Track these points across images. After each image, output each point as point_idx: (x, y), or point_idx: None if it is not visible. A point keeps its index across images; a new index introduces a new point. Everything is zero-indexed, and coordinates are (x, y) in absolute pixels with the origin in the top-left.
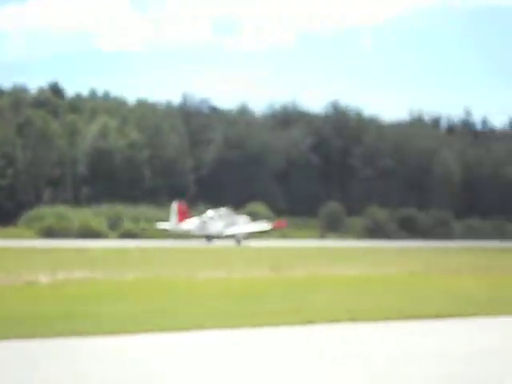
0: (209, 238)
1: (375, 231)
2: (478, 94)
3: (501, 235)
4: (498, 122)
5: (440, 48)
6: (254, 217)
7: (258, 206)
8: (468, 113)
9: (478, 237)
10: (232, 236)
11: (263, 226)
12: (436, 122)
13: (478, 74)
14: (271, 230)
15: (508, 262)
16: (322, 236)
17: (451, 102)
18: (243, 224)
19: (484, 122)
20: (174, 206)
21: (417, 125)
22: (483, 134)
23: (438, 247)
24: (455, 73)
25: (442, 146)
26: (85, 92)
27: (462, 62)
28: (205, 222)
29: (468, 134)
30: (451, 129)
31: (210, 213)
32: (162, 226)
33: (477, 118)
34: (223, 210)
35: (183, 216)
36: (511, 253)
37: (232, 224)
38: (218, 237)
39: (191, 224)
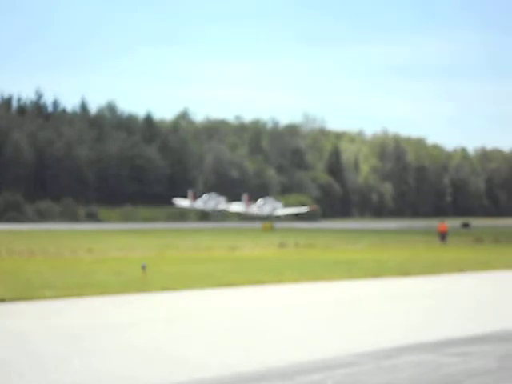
0: (263, 217)
1: None
2: (49, 75)
3: (71, 218)
4: (70, 103)
5: None
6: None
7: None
8: (39, 94)
9: (49, 219)
10: (278, 216)
11: (301, 209)
12: (7, 102)
13: (52, 57)
14: (307, 212)
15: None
16: None
17: (23, 82)
18: (284, 208)
19: (55, 104)
20: (244, 196)
21: None
22: (54, 115)
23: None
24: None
25: (13, 126)
26: None
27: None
28: (261, 206)
29: (39, 115)
30: (22, 110)
31: (261, 201)
32: (235, 209)
33: (48, 100)
34: (269, 199)
35: (249, 203)
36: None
37: (276, 208)
38: (269, 217)
39: (253, 208)
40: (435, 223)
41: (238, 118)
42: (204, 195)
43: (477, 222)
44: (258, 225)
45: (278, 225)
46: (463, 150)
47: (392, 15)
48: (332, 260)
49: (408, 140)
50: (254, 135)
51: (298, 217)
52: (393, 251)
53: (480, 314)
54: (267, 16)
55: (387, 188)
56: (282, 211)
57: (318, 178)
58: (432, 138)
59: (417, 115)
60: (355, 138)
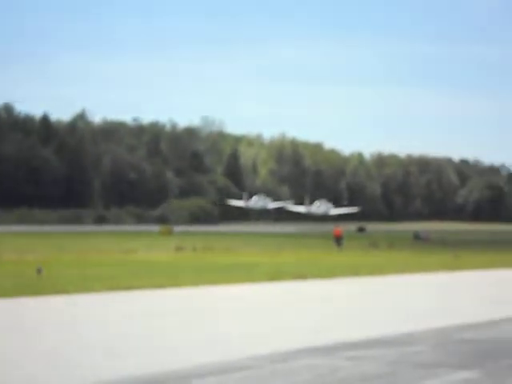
0: (318, 216)
1: None
2: None
3: None
4: None
5: None
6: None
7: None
8: None
9: None
10: (333, 215)
11: (352, 209)
12: None
13: None
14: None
15: None
16: None
17: None
18: (335, 208)
19: None
20: (306, 198)
21: None
22: None
23: None
24: None
25: None
26: None
27: None
28: (318, 207)
29: None
30: None
31: (317, 202)
32: (297, 209)
33: None
34: (323, 201)
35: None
36: None
37: (329, 208)
38: (325, 215)
39: (313, 208)
40: (332, 227)
41: (136, 119)
42: (254, 197)
43: (372, 227)
44: (155, 228)
45: (177, 228)
46: (359, 154)
47: (293, 19)
48: (230, 263)
49: (306, 144)
50: (152, 137)
51: (196, 220)
52: (291, 255)
53: (371, 317)
54: (165, 17)
55: (285, 191)
56: (335, 211)
57: (217, 181)
58: (329, 143)
59: (314, 120)
60: (254, 142)
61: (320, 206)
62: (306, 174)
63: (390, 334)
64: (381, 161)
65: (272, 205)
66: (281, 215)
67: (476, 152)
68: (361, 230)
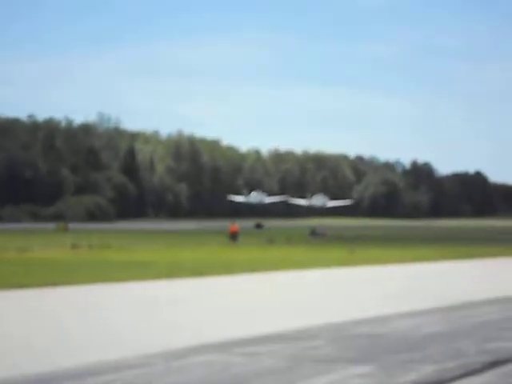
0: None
1: None
2: None
3: None
4: None
5: None
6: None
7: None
8: None
9: None
10: (331, 207)
11: (345, 202)
12: None
13: None
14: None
15: None
16: None
17: None
18: (330, 201)
19: None
20: (309, 193)
21: None
22: None
23: None
24: None
25: None
26: None
27: None
28: (318, 200)
29: None
30: None
31: (318, 196)
32: (299, 202)
33: None
34: (320, 195)
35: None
36: None
37: (326, 201)
38: (322, 207)
39: (312, 201)
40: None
41: (30, 116)
42: (252, 192)
43: (270, 223)
44: (51, 226)
45: (73, 226)
46: (257, 151)
47: (181, 17)
48: (127, 261)
49: (203, 141)
50: (47, 134)
51: (92, 218)
52: (189, 252)
53: (270, 313)
54: (58, 16)
55: (182, 188)
56: (331, 203)
57: (113, 178)
58: (227, 140)
59: (212, 116)
60: (150, 139)
61: (318, 200)
62: (204, 170)
63: (288, 330)
64: (278, 157)
65: (268, 199)
66: (279, 209)
67: (371, 149)
68: (258, 226)
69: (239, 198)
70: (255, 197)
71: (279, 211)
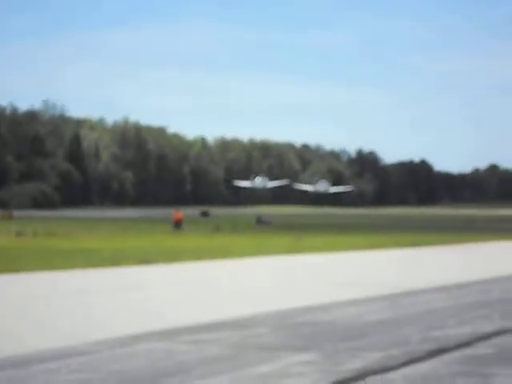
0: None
1: None
2: None
3: None
4: None
5: None
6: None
7: None
8: None
9: None
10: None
11: (347, 187)
12: None
13: None
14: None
15: None
16: None
17: None
18: (332, 187)
19: None
20: (314, 178)
21: None
22: None
23: None
24: None
25: None
26: None
27: None
28: (322, 185)
29: None
30: None
31: (322, 182)
32: (305, 188)
33: None
34: (324, 181)
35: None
36: None
37: (328, 187)
38: (325, 192)
39: (316, 187)
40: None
41: None
42: (256, 177)
43: (216, 211)
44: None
45: (17, 213)
46: (203, 139)
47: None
48: (72, 249)
49: (149, 128)
50: None
51: (37, 205)
52: (132, 240)
53: (215, 301)
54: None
55: (128, 176)
56: (333, 189)
57: (58, 166)
58: (173, 127)
59: (158, 103)
60: (96, 126)
61: (322, 185)
62: (150, 158)
63: (234, 318)
64: (224, 145)
65: (271, 184)
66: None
67: (317, 137)
68: (204, 214)
69: (245, 184)
70: (260, 182)
71: (226, 199)
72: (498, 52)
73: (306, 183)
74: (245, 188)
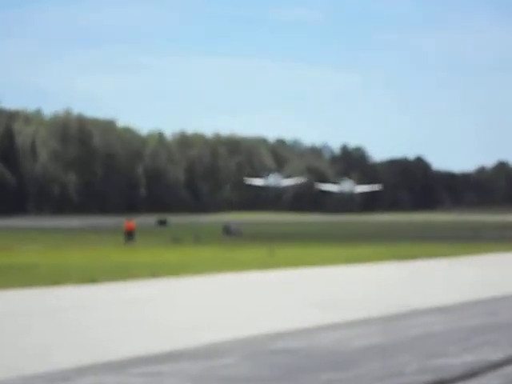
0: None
1: None
2: None
3: None
4: None
5: None
6: None
7: None
8: None
9: None
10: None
11: (374, 187)
12: None
13: None
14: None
15: None
16: None
17: None
18: (358, 186)
19: None
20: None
21: None
22: None
23: None
24: None
25: None
26: None
27: None
28: (347, 185)
29: None
30: None
31: (346, 181)
32: (326, 188)
33: None
34: (349, 180)
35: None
36: None
37: (353, 186)
38: (351, 191)
39: (343, 187)
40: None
41: None
42: (270, 175)
43: (175, 219)
44: None
45: None
46: (160, 134)
47: None
48: (4, 264)
49: (95, 121)
50: None
51: None
52: (76, 254)
53: (173, 326)
54: None
55: (70, 178)
56: (360, 188)
57: None
58: (123, 120)
59: (105, 93)
60: (32, 119)
61: (347, 185)
62: (96, 156)
63: (195, 346)
64: (184, 141)
65: (286, 182)
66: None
67: (294, 131)
68: (161, 222)
69: (258, 182)
70: (274, 180)
71: (188, 204)
72: (490, 27)
73: (328, 183)
74: (268, 186)
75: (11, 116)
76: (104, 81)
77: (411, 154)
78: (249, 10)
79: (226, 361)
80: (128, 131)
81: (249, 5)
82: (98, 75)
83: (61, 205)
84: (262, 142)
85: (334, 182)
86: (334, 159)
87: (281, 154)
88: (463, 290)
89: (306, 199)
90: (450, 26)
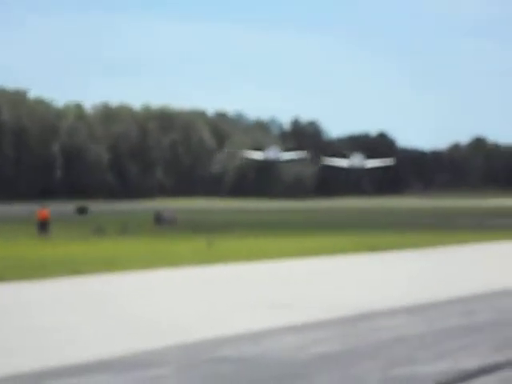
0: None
1: None
2: None
3: None
4: None
5: None
6: None
7: None
8: None
9: None
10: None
11: (386, 161)
12: None
13: None
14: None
15: None
16: None
17: None
18: (367, 161)
19: None
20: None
21: None
22: None
23: None
24: None
25: None
26: None
27: None
28: (357, 159)
29: None
30: None
31: (355, 156)
32: (335, 163)
33: None
34: (358, 154)
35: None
36: None
37: (363, 161)
38: (360, 166)
39: (353, 161)
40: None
41: None
42: (271, 148)
43: (98, 206)
44: None
45: None
46: (78, 106)
47: None
48: None
49: (3, 92)
50: None
51: None
52: None
53: (95, 332)
54: None
55: None
56: (370, 163)
57: None
58: (36, 91)
59: (14, 58)
60: None
61: (356, 159)
62: (4, 133)
63: (124, 354)
64: (108, 115)
65: (286, 156)
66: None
67: (237, 103)
68: (82, 210)
69: (257, 155)
70: (274, 153)
71: (112, 189)
72: None
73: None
74: (268, 160)
75: None
76: (11, 46)
77: (373, 130)
78: None
79: (156, 372)
80: (41, 103)
81: None
82: (4, 38)
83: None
84: (200, 115)
85: (343, 156)
86: (284, 135)
87: (222, 130)
88: (434, 285)
89: (250, 182)
90: None
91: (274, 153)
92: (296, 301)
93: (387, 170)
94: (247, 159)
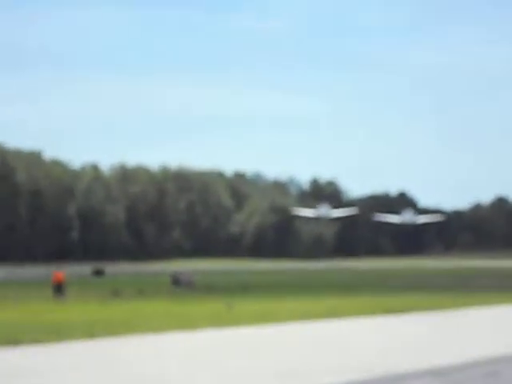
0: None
1: None
2: None
3: None
4: None
5: None
6: None
7: None
8: None
9: None
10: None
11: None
12: None
13: None
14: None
15: None
16: None
17: None
18: (335, 211)
19: None
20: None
21: None
22: None
23: None
24: None
25: None
26: None
27: None
28: (323, 209)
29: None
30: None
31: (322, 205)
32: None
33: None
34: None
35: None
36: None
37: (329, 210)
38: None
39: (319, 212)
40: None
41: None
42: (319, 206)
43: (114, 268)
44: None
45: None
46: (95, 167)
47: None
48: None
49: (18, 153)
50: None
51: None
52: None
53: None
54: None
55: None
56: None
57: None
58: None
59: (30, 120)
60: None
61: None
62: (20, 194)
63: None
64: (125, 176)
65: (336, 213)
66: None
67: (256, 163)
68: (98, 272)
69: (307, 212)
70: (325, 210)
71: (128, 251)
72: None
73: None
74: (318, 218)
75: None
76: (28, 107)
77: (393, 189)
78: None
79: None
80: (57, 164)
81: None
82: (22, 100)
83: None
84: (218, 176)
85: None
86: (303, 195)
87: (240, 191)
88: (459, 348)
89: (269, 243)
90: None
91: (325, 210)
92: (320, 365)
93: (409, 230)
94: (295, 216)
